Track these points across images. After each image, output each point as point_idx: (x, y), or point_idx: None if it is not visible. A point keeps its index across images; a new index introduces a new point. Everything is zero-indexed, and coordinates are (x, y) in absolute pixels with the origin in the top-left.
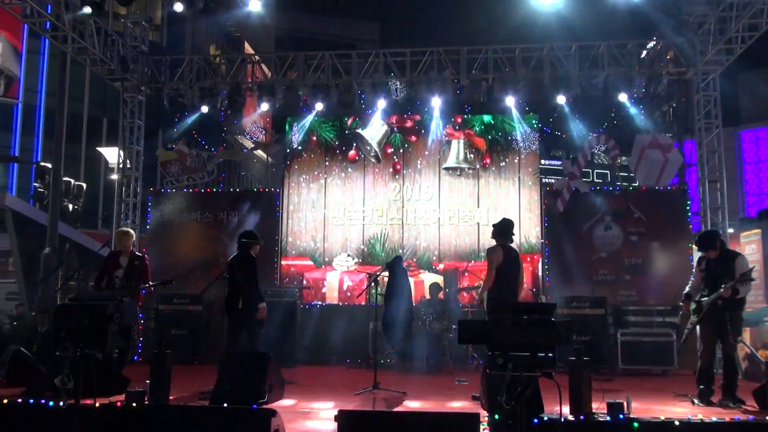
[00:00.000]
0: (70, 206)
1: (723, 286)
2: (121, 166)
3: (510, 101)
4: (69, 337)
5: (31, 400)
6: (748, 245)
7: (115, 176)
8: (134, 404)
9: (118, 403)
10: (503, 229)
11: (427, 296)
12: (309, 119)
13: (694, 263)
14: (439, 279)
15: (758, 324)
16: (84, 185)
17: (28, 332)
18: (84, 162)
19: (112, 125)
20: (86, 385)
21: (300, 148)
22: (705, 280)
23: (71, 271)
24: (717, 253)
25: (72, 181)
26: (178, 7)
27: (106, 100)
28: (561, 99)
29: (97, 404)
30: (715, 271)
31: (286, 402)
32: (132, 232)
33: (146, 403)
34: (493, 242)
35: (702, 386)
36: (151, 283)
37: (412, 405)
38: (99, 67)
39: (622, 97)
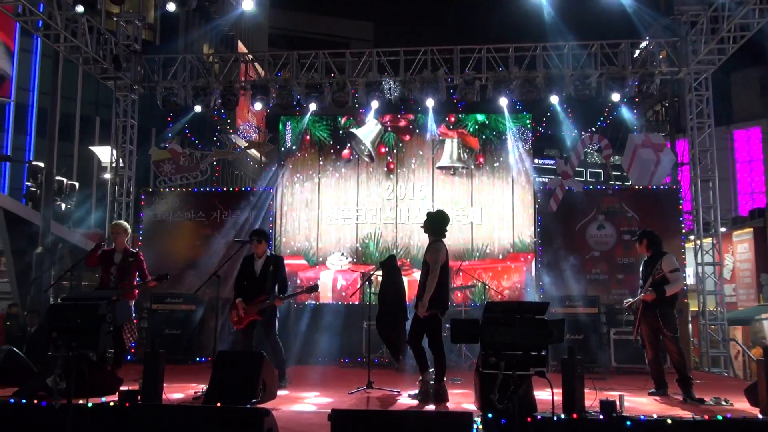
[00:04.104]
0: (63, 205)
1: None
2: (113, 165)
3: (503, 101)
4: (61, 337)
5: (24, 400)
6: (740, 244)
7: (108, 175)
8: (127, 404)
9: (111, 403)
10: (442, 223)
11: None
12: (302, 118)
13: (687, 261)
14: None
15: (750, 322)
16: (77, 184)
17: (20, 332)
18: (77, 161)
19: (105, 124)
20: (78, 384)
21: (294, 147)
22: (640, 279)
23: (63, 270)
24: (649, 253)
25: (65, 180)
26: (171, 7)
27: (99, 98)
28: (554, 98)
29: (90, 404)
30: (646, 271)
31: (280, 401)
32: (127, 225)
33: (139, 402)
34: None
35: (656, 381)
36: (150, 277)
37: (405, 404)
38: (92, 65)
39: (615, 97)
